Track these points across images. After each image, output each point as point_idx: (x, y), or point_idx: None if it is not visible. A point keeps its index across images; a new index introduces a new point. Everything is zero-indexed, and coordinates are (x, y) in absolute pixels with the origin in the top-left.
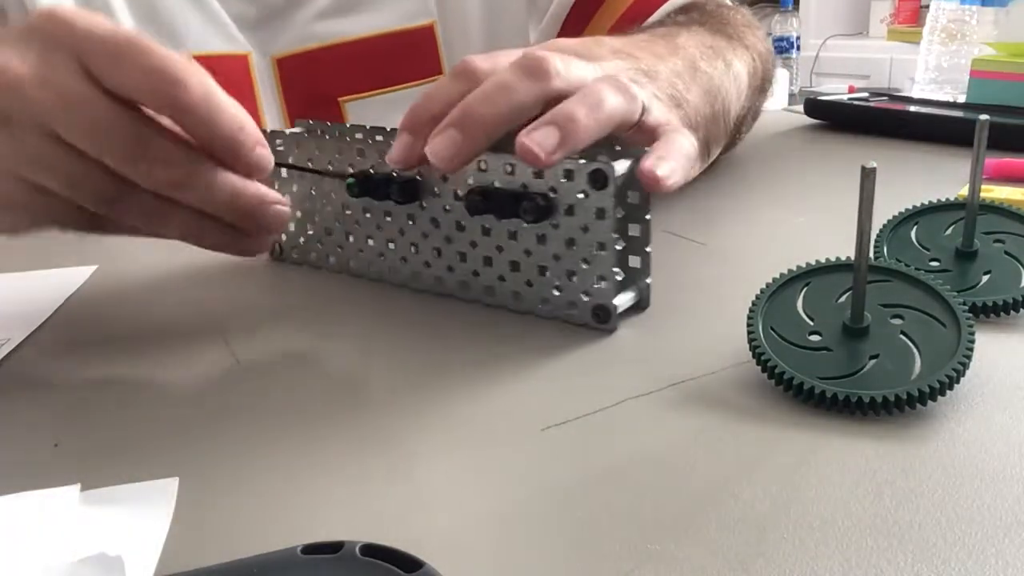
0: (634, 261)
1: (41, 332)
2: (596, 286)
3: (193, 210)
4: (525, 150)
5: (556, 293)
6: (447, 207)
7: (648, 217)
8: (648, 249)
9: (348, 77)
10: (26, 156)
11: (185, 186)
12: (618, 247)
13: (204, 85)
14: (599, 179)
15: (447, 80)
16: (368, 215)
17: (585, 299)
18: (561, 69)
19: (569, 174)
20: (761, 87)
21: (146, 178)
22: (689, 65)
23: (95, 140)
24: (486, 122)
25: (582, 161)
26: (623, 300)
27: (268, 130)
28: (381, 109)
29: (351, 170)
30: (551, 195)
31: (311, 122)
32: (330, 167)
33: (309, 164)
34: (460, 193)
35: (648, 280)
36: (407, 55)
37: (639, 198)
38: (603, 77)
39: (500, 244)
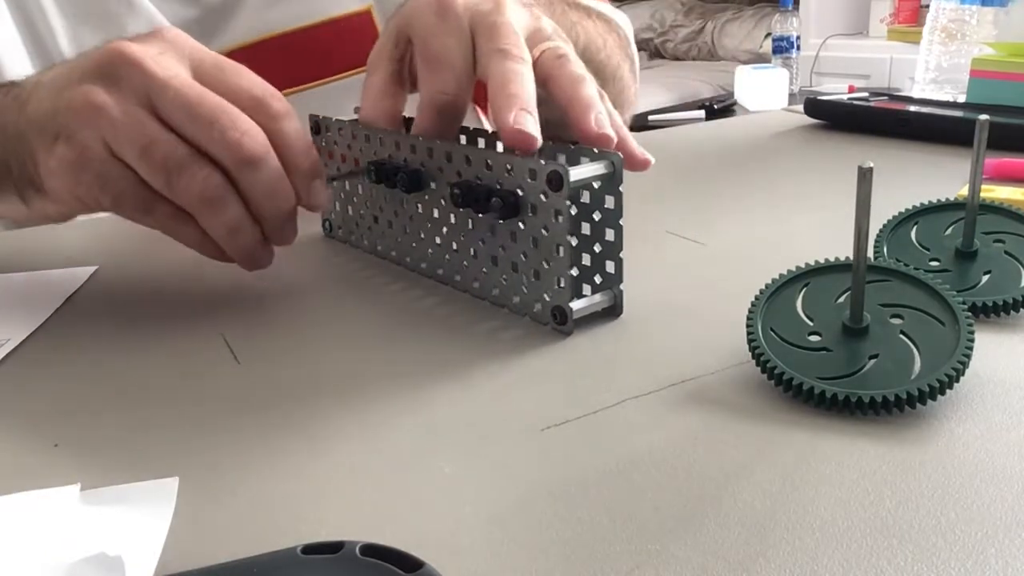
0: (609, 266)
1: (41, 332)
2: (557, 287)
3: (242, 207)
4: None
5: (525, 290)
6: (443, 199)
7: (622, 222)
8: (622, 255)
9: (288, 69)
10: (119, 117)
11: (263, 157)
12: (573, 247)
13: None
14: (555, 180)
15: (455, 34)
16: (387, 201)
17: (547, 299)
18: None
19: (532, 174)
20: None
21: (221, 140)
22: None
23: (180, 110)
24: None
25: (543, 162)
26: (585, 304)
27: (321, 117)
28: (321, 100)
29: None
30: (519, 193)
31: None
32: (361, 152)
33: (348, 148)
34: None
35: (622, 286)
36: (345, 43)
37: (614, 203)
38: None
39: (483, 238)
